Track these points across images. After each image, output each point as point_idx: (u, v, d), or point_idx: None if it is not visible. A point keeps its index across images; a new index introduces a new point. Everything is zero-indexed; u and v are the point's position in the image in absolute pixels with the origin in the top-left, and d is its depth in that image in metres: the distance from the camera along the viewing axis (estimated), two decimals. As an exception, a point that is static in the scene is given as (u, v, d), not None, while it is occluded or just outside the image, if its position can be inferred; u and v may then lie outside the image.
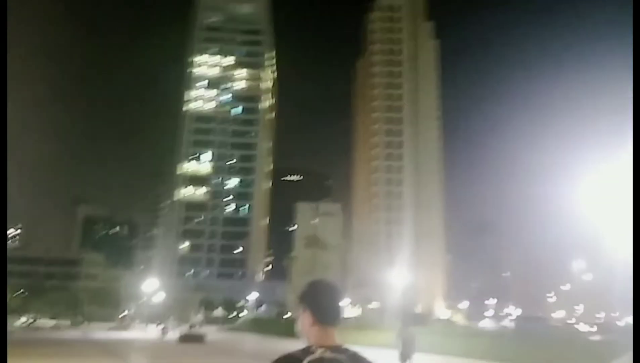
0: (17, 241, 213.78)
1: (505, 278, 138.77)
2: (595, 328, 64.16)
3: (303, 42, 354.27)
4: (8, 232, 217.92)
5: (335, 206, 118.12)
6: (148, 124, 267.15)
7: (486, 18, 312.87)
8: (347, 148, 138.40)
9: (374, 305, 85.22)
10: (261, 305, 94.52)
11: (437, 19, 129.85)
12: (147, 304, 74.52)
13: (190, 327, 41.12)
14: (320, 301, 2.11)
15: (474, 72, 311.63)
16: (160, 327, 44.83)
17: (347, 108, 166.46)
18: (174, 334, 39.19)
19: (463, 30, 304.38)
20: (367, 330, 43.95)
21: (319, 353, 1.93)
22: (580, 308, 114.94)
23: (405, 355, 14.99)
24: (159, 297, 78.51)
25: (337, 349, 1.98)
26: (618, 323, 73.33)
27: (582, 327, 70.24)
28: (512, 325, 69.20)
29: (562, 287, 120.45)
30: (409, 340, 15.09)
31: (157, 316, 63.10)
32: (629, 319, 71.20)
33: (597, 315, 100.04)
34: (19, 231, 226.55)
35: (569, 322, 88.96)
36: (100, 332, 45.08)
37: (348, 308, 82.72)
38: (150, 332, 46.28)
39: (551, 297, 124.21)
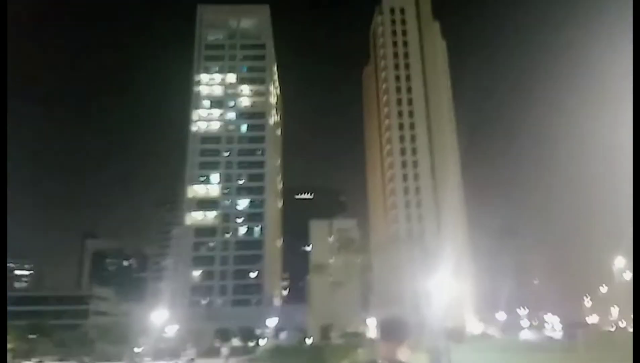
0: (27, 282, 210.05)
1: (534, 284, 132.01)
2: None
3: (306, 53, 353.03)
4: (19, 272, 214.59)
5: (350, 222, 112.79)
6: (154, 149, 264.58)
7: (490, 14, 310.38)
8: (358, 160, 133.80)
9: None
10: (281, 332, 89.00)
11: (442, 18, 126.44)
12: (159, 338, 69.91)
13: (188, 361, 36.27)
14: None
15: (483, 70, 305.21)
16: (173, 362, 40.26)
17: (355, 118, 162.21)
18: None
19: (469, 29, 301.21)
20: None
21: None
22: (615, 311, 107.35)
23: None
24: (172, 330, 73.35)
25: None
26: None
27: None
28: (557, 334, 63.15)
29: (599, 289, 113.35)
30: (444, 356, 14.37)
31: (171, 351, 58.81)
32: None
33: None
34: (30, 272, 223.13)
35: (619, 325, 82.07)
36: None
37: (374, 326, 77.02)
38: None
39: (586, 301, 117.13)
